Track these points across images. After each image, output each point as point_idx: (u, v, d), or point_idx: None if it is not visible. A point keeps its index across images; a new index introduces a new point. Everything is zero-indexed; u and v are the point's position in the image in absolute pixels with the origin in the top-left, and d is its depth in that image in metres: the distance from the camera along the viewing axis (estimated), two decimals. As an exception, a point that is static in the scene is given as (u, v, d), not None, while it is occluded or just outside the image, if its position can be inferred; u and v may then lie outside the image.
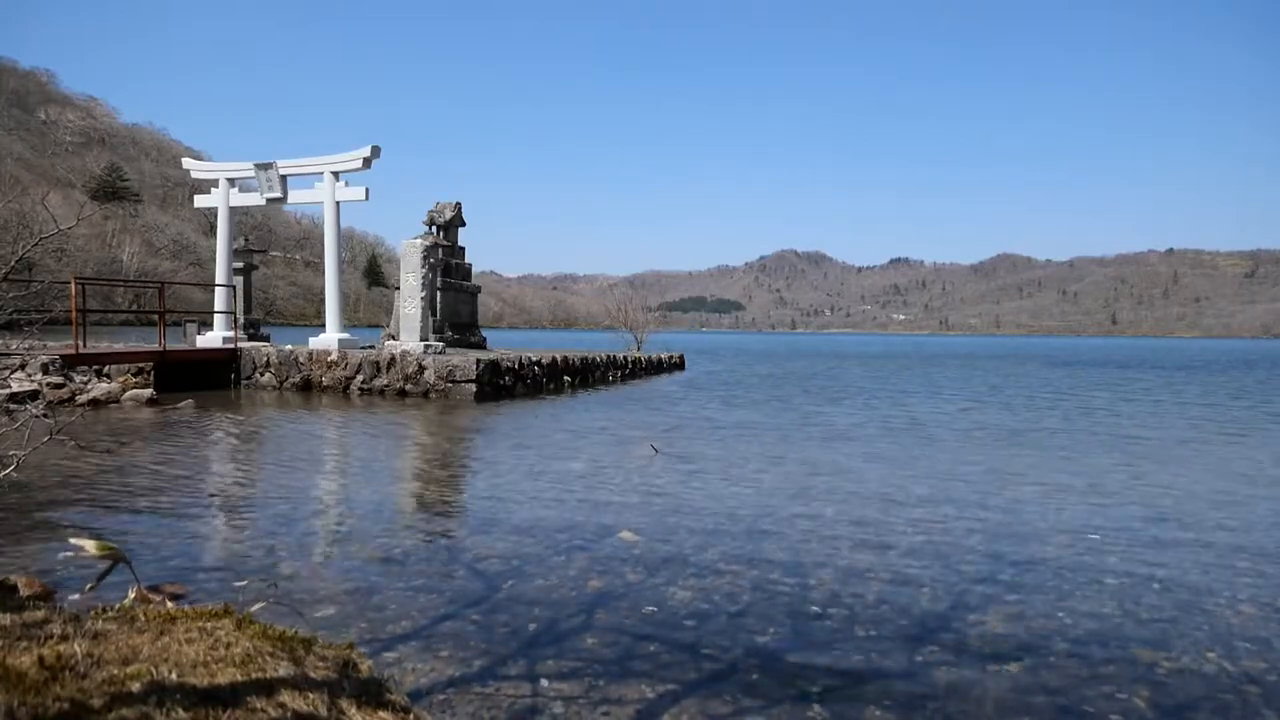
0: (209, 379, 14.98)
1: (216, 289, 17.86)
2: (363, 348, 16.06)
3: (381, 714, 2.01)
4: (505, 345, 21.64)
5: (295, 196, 17.76)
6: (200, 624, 2.26)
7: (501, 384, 14.43)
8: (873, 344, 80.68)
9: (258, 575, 4.08)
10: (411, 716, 2.14)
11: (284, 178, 17.28)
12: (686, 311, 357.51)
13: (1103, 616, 3.82)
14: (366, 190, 16.96)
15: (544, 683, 2.97)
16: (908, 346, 68.88)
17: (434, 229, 18.37)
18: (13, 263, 3.89)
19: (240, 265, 18.92)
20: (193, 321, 18.48)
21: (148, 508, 5.56)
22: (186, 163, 19.56)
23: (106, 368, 13.69)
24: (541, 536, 5.04)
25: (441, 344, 15.63)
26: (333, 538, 4.92)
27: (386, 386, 14.24)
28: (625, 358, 20.33)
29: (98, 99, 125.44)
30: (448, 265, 17.95)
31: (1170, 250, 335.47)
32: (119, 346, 15.03)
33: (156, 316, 14.76)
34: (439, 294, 17.07)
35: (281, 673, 2.00)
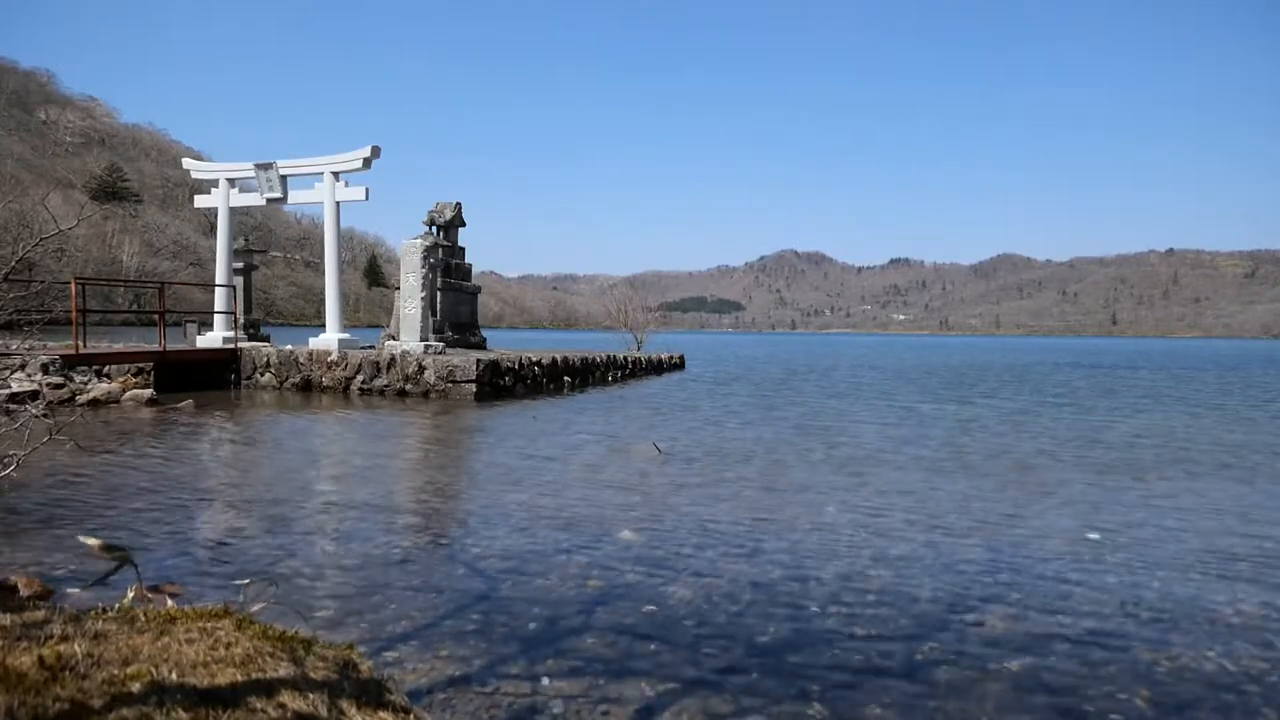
0: (209, 379, 14.98)
1: (216, 289, 17.86)
2: (363, 348, 16.06)
3: (381, 714, 2.01)
4: (505, 345, 21.65)
5: (295, 196, 17.76)
6: (200, 624, 2.26)
7: (501, 384, 14.43)
8: (880, 345, 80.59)
9: (258, 575, 4.08)
10: (411, 716, 2.14)
11: (284, 178, 17.28)
12: (686, 312, 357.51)
13: (1103, 616, 3.82)
14: (366, 190, 16.96)
15: (544, 682, 2.97)
16: (929, 349, 68.72)
17: (434, 229, 18.36)
18: (13, 263, 3.89)
19: (240, 265, 18.92)
20: (193, 321, 18.47)
21: (147, 507, 5.56)
22: (186, 163, 19.57)
23: (106, 368, 13.69)
24: (541, 536, 5.05)
25: (441, 344, 15.63)
26: (332, 538, 4.93)
27: (386, 386, 14.24)
28: (625, 358, 20.33)
29: (98, 99, 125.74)
30: (448, 265, 17.95)
31: (1170, 250, 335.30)
32: (119, 346, 15.03)
33: (156, 316, 14.76)
34: (439, 294, 17.07)
35: (281, 673, 2.00)
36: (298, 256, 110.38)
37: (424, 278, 15.59)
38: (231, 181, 17.94)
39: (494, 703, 2.79)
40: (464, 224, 19.09)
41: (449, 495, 6.52)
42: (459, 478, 7.33)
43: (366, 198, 16.98)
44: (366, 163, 16.60)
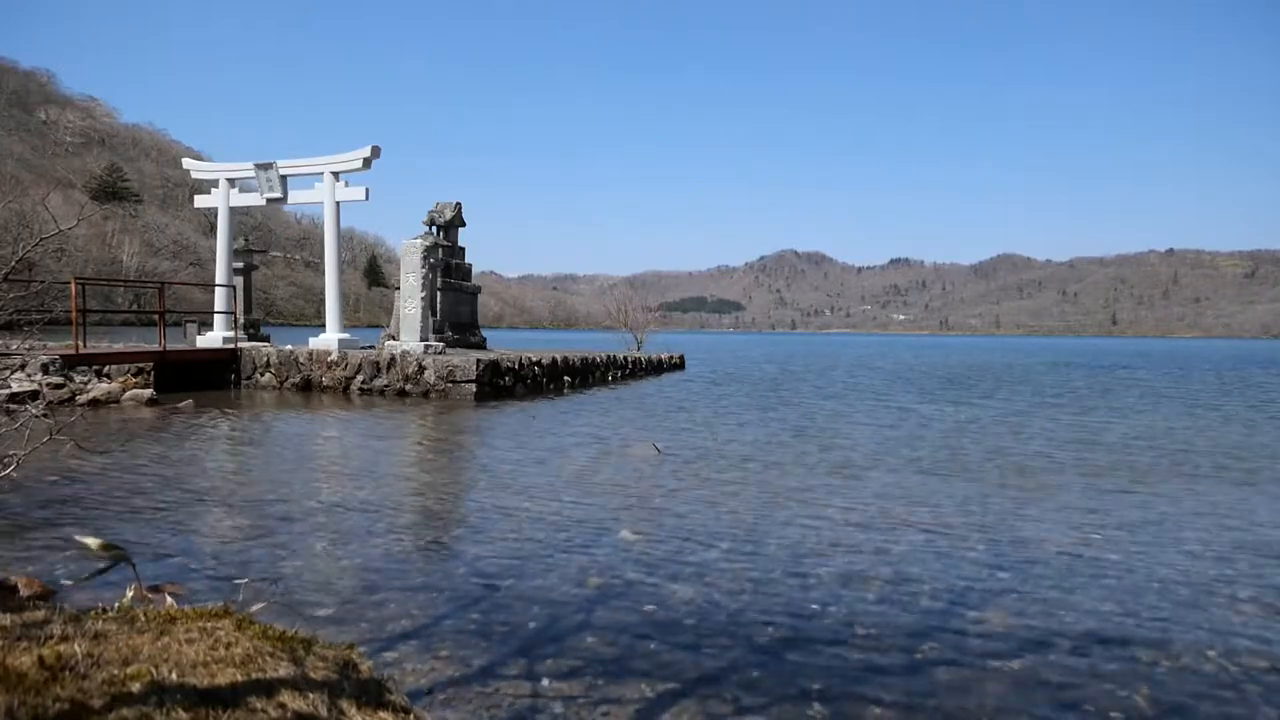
0: (209, 379, 14.98)
1: (216, 289, 17.86)
2: (363, 348, 16.06)
3: (381, 714, 2.01)
4: (505, 345, 21.64)
5: (295, 196, 17.76)
6: (200, 624, 2.26)
7: (501, 384, 14.43)
8: (880, 345, 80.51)
9: (258, 575, 4.09)
10: (411, 716, 2.14)
11: (284, 178, 17.28)
12: (686, 312, 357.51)
13: (1103, 616, 3.82)
14: (366, 190, 16.97)
15: (544, 682, 2.97)
16: (928, 349, 68.60)
17: (434, 229, 18.36)
18: (13, 263, 3.89)
19: (240, 265, 18.93)
20: (193, 321, 18.47)
21: (147, 507, 5.56)
22: (186, 163, 19.57)
23: (106, 368, 13.69)
24: (541, 536, 5.05)
25: (441, 344, 15.63)
26: (332, 538, 4.93)
27: (386, 386, 14.24)
28: (625, 358, 20.33)
29: (98, 99, 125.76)
30: (448, 265, 17.95)
31: (1170, 250, 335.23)
32: (119, 346, 15.03)
33: (156, 316, 14.77)
34: (439, 294, 17.07)
35: (282, 673, 2.00)
36: (298, 256, 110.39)
37: (424, 278, 15.59)
38: (231, 181, 17.94)
39: (494, 703, 2.79)
40: (464, 224, 19.09)
41: (449, 495, 6.52)
42: (459, 478, 7.33)
43: (366, 198, 16.98)
44: (366, 163, 16.60)
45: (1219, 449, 9.56)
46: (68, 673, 1.78)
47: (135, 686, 1.75)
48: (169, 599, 2.68)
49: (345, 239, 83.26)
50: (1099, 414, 13.52)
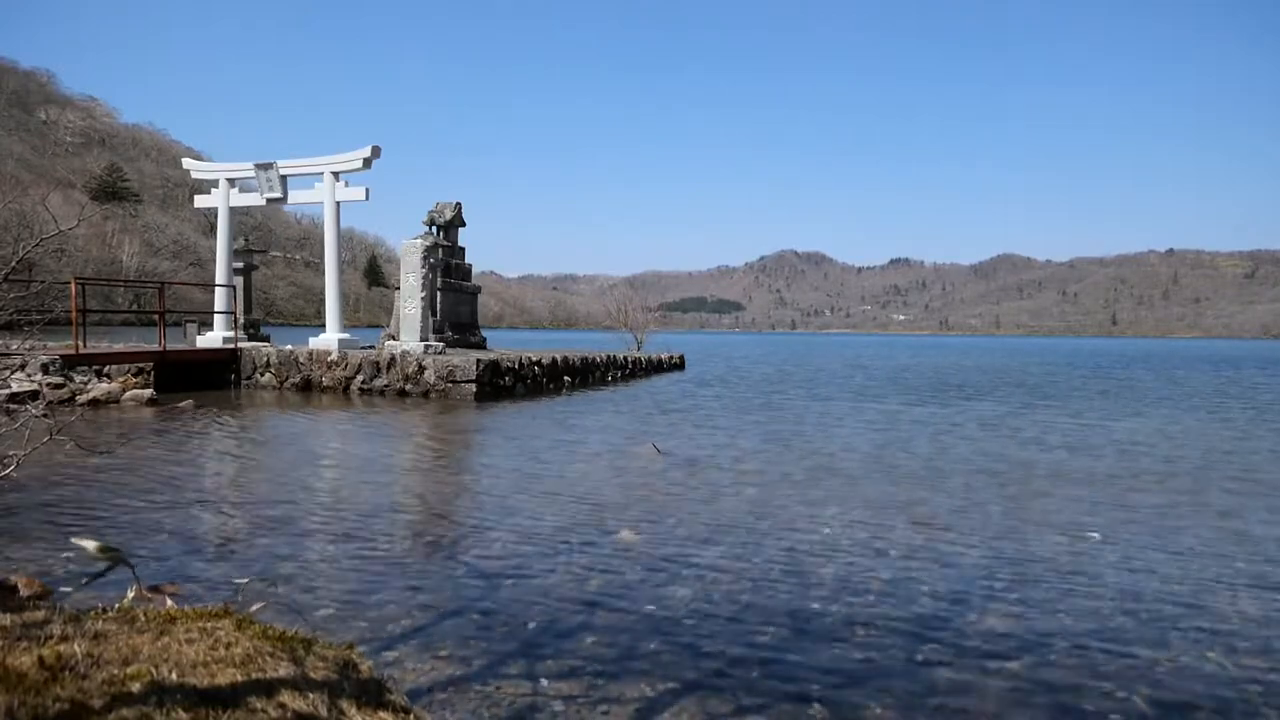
0: (209, 379, 14.98)
1: (216, 289, 17.87)
2: (363, 348, 16.06)
3: (381, 714, 2.01)
4: (505, 345, 21.65)
5: (295, 196, 17.77)
6: (200, 624, 2.26)
7: (501, 384, 14.43)
8: (880, 345, 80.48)
9: (258, 575, 4.09)
10: (411, 716, 2.14)
11: (284, 178, 17.29)
12: (686, 312, 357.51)
13: (1103, 616, 3.82)
14: (367, 190, 16.98)
15: (544, 682, 2.97)
16: (928, 349, 68.52)
17: (434, 229, 18.36)
18: (13, 263, 3.89)
19: (240, 265, 18.93)
20: (193, 321, 18.48)
21: (147, 507, 5.56)
22: (186, 163, 19.57)
23: (106, 368, 13.69)
24: (541, 536, 5.05)
25: (441, 344, 15.64)
26: (333, 538, 4.92)
27: (386, 386, 14.24)
28: (625, 358, 20.34)
29: (98, 99, 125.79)
30: (448, 265, 17.95)
31: (1170, 250, 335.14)
32: (119, 346, 15.02)
33: (156, 316, 14.77)
34: (439, 294, 17.07)
35: (281, 673, 2.00)
36: (298, 256, 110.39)
37: (424, 278, 15.60)
38: (231, 181, 17.95)
39: (494, 702, 2.79)
40: (464, 224, 19.09)
41: (448, 495, 6.52)
42: (458, 478, 7.33)
43: (366, 198, 16.99)
44: (366, 163, 16.61)
45: (1218, 451, 9.56)
46: (68, 673, 1.78)
47: (135, 686, 1.76)
48: (169, 599, 2.68)
49: (345, 239, 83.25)
50: (1097, 416, 13.52)
